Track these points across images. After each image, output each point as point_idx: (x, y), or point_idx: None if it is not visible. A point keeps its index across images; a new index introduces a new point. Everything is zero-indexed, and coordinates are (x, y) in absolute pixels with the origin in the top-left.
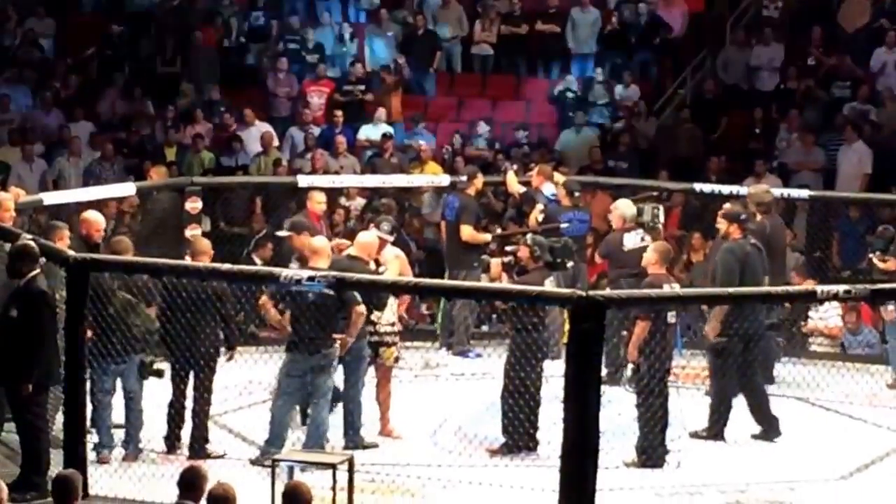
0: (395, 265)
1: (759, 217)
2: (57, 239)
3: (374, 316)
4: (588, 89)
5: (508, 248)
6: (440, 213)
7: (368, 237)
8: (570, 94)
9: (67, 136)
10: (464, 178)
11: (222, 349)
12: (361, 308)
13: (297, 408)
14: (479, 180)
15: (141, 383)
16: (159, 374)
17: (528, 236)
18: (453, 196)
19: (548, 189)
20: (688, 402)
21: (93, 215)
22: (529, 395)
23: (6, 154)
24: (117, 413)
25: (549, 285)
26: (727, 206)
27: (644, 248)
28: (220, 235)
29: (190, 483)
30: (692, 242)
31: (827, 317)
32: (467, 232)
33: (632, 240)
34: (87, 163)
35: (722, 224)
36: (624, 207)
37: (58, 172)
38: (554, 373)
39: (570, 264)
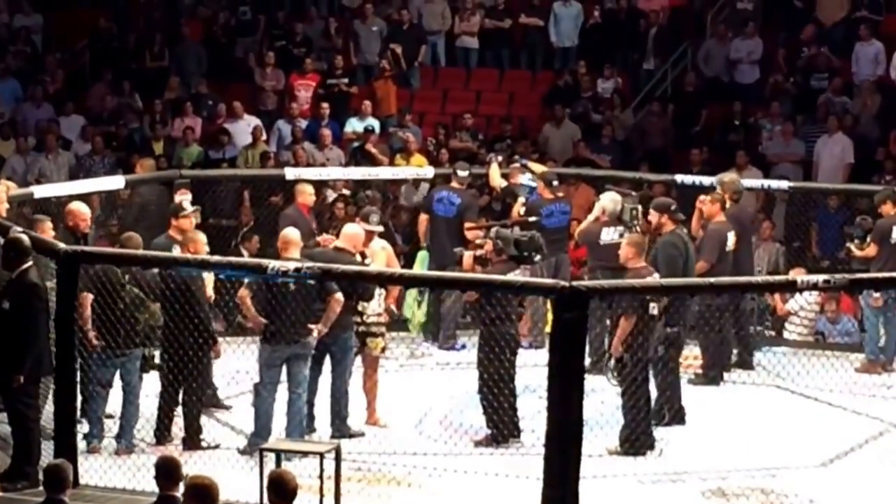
0: (381, 257)
1: (728, 204)
2: (40, 232)
3: (361, 306)
4: (571, 82)
5: (479, 242)
6: (426, 205)
7: (354, 229)
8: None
9: (46, 132)
10: (464, 173)
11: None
12: (339, 296)
13: None
14: None
15: (140, 377)
16: (161, 368)
17: (493, 230)
18: (451, 192)
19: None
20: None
21: (78, 206)
22: (505, 385)
23: None
24: (112, 405)
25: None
26: (659, 198)
27: (619, 245)
28: (208, 228)
29: (168, 472)
30: None
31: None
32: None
33: (609, 234)
34: (75, 156)
35: (654, 216)
36: (607, 201)
37: (38, 171)
38: (538, 362)
39: (537, 257)
